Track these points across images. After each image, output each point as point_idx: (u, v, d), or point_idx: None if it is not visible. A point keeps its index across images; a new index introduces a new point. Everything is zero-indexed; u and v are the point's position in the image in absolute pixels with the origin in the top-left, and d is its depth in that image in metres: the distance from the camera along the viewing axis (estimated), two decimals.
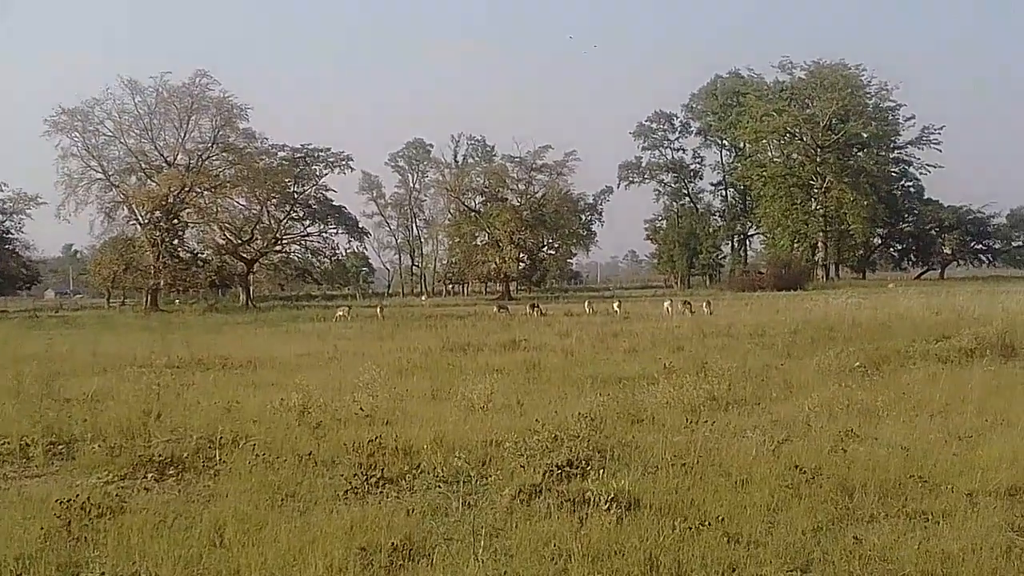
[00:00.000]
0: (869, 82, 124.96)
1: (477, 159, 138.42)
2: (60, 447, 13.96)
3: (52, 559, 8.31)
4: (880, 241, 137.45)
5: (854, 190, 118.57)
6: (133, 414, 15.84)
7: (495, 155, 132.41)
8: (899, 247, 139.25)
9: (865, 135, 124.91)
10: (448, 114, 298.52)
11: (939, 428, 14.01)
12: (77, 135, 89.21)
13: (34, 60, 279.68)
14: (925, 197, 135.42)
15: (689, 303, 52.22)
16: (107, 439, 13.91)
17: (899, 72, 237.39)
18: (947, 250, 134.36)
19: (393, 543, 8.69)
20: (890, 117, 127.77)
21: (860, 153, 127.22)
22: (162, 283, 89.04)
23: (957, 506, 9.89)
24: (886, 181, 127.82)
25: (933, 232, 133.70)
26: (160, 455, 12.69)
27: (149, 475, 12.05)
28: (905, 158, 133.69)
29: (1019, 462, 11.47)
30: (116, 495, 10.80)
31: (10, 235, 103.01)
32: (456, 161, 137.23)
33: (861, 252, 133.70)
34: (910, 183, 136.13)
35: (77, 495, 10.26)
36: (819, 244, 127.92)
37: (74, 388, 20.57)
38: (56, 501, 9.99)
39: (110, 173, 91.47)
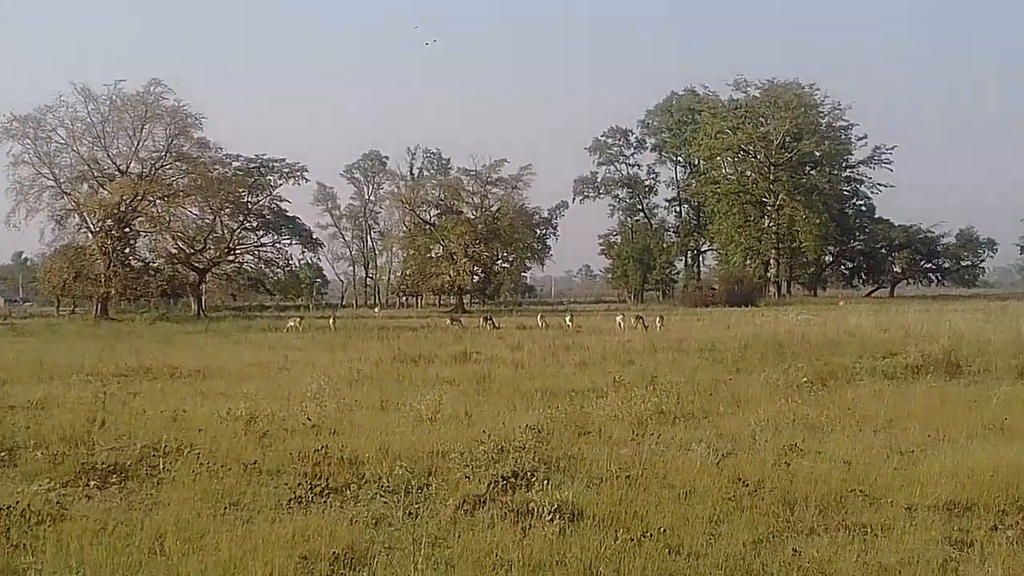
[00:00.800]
0: (822, 101, 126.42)
1: (432, 172, 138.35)
2: (2, 454, 13.83)
3: None
4: (831, 259, 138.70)
5: (807, 208, 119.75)
6: (78, 422, 15.73)
7: (451, 168, 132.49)
8: (850, 265, 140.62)
9: (818, 154, 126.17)
10: (404, 127, 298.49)
11: (882, 443, 14.16)
12: (28, 142, 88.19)
13: None
14: (876, 216, 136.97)
15: (642, 318, 52.38)
16: (50, 446, 13.80)
17: (851, 92, 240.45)
18: (897, 268, 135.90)
19: (335, 552, 8.69)
20: (843, 136, 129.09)
21: (813, 171, 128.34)
22: (113, 292, 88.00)
23: (896, 520, 10.00)
24: (838, 199, 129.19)
25: (883, 251, 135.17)
26: (103, 463, 12.62)
27: (91, 483, 11.96)
28: (857, 177, 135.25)
29: (959, 477, 11.60)
30: (57, 502, 10.71)
31: None
32: (412, 173, 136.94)
33: (813, 269, 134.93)
34: (861, 202, 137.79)
35: (17, 502, 10.19)
36: (771, 261, 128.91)
37: (19, 395, 20.45)
38: None
39: (61, 181, 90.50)
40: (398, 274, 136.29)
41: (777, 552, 8.98)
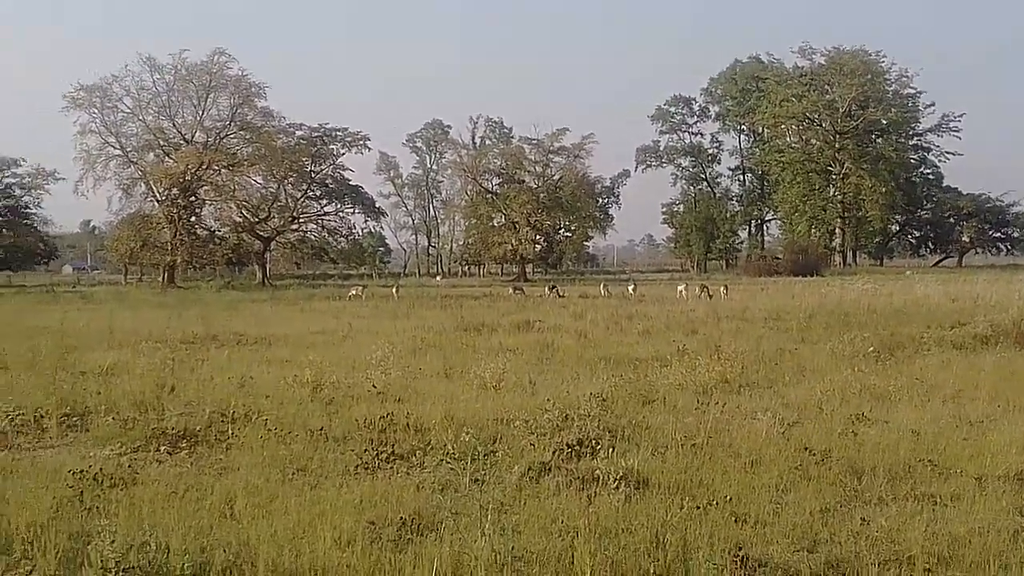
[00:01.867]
0: (889, 68, 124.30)
1: (495, 141, 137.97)
2: (74, 419, 14.07)
3: (64, 528, 8.37)
4: (898, 228, 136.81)
5: (873, 177, 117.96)
6: (147, 388, 15.96)
7: (513, 137, 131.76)
8: (917, 234, 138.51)
9: (884, 122, 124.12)
10: (466, 95, 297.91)
11: (951, 413, 14.00)
12: (96, 111, 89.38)
13: (53, 38, 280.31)
14: (944, 184, 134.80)
15: (707, 287, 52.08)
16: (121, 412, 14.03)
17: (919, 59, 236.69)
18: (965, 238, 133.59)
19: (402, 517, 8.74)
20: (910, 104, 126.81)
21: (879, 140, 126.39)
22: (179, 260, 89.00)
23: (965, 490, 9.89)
24: (905, 168, 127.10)
25: (951, 220, 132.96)
26: (173, 428, 12.80)
27: (162, 448, 12.13)
28: (924, 145, 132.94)
29: None
30: (128, 467, 10.92)
31: (28, 210, 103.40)
32: (474, 142, 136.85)
33: (879, 239, 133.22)
34: (929, 170, 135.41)
35: (90, 466, 10.37)
36: (836, 230, 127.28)
37: (89, 362, 20.71)
38: (69, 472, 10.10)
39: (128, 150, 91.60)
40: (460, 243, 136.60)
41: (845, 521, 8.91)
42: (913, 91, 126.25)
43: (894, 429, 12.66)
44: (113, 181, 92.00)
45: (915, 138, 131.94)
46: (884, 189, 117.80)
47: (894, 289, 49.97)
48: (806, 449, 11.15)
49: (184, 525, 8.43)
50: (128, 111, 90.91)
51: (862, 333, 23.76)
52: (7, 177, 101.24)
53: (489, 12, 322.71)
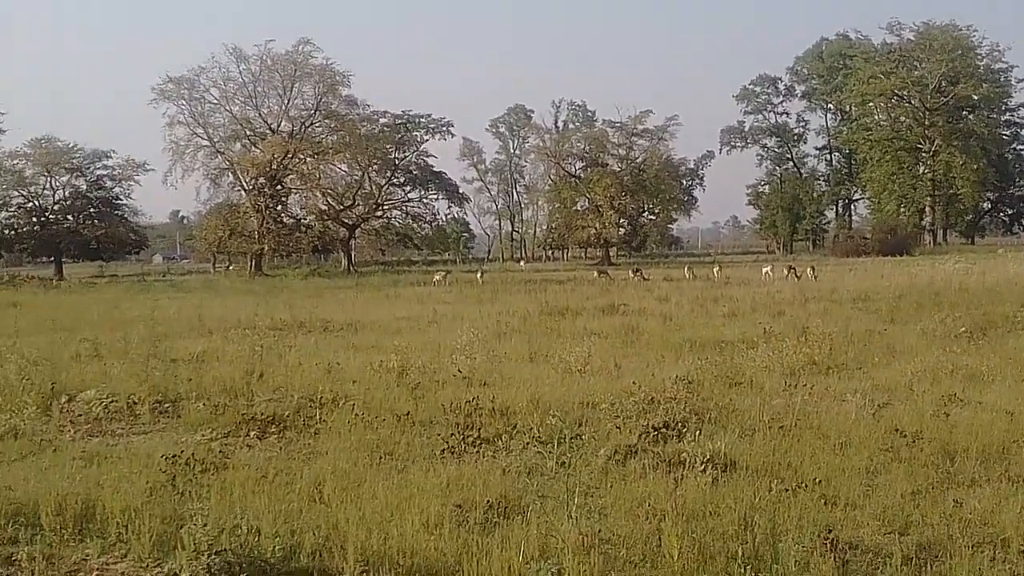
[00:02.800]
0: (980, 43, 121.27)
1: (578, 124, 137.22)
2: (166, 405, 14.35)
3: (157, 512, 8.50)
4: (990, 206, 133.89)
5: (964, 154, 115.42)
6: (236, 374, 16.19)
7: (596, 120, 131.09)
8: (1010, 212, 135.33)
9: (976, 97, 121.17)
10: (549, 79, 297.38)
11: None
12: (183, 103, 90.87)
13: (143, 31, 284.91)
14: None
15: (794, 268, 51.56)
16: (211, 398, 14.24)
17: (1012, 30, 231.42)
18: None
19: (488, 501, 8.77)
20: (1002, 79, 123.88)
21: (970, 116, 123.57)
22: (266, 248, 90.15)
23: None
24: (997, 144, 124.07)
25: None
26: (262, 414, 12.97)
27: (251, 433, 12.31)
28: (1017, 121, 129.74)
29: None
30: (219, 451, 11.09)
31: (119, 201, 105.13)
32: (556, 126, 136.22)
33: (970, 217, 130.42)
34: (1022, 146, 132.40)
35: (182, 451, 10.54)
36: (926, 209, 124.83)
37: (180, 349, 21.09)
38: (161, 456, 10.27)
39: (215, 140, 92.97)
40: (544, 227, 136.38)
41: (937, 503, 8.77)
42: (1005, 65, 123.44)
43: (987, 410, 12.44)
44: (201, 171, 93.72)
45: (1007, 113, 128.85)
46: (975, 166, 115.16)
47: (986, 268, 49.11)
48: (897, 431, 10.97)
49: (274, 509, 8.52)
50: (215, 102, 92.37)
51: (953, 313, 23.36)
52: (98, 169, 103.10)
53: None
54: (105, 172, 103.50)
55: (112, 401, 14.18)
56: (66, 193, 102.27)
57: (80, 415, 13.63)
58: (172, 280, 75.38)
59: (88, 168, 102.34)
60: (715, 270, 55.49)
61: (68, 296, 50.29)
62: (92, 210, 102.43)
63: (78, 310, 35.41)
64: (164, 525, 8.20)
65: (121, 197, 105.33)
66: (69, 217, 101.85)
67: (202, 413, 13.33)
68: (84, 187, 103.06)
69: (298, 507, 8.80)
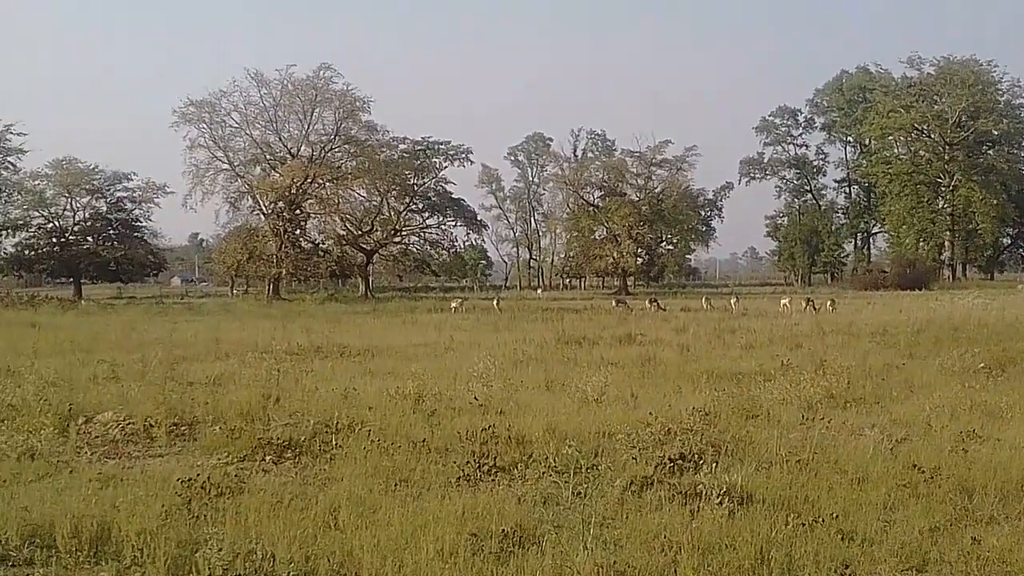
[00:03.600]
0: (1001, 79, 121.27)
1: (596, 153, 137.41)
2: (182, 428, 14.35)
3: (172, 535, 8.51)
4: (1010, 241, 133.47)
5: (984, 189, 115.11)
6: (253, 398, 16.18)
7: (614, 149, 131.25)
8: None
9: (996, 133, 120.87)
10: (569, 108, 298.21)
11: None
12: (204, 126, 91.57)
13: (164, 55, 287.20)
14: None
15: (812, 300, 51.44)
16: (227, 422, 14.25)
17: None
18: None
19: (504, 530, 8.74)
20: (1023, 114, 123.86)
21: (990, 151, 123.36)
22: (284, 272, 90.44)
23: None
24: (1017, 180, 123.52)
25: None
26: (278, 438, 12.97)
27: (267, 457, 12.32)
28: None
29: None
30: (235, 476, 11.08)
31: (139, 223, 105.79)
32: (575, 155, 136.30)
33: (989, 252, 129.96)
34: None
35: (198, 475, 10.57)
36: (945, 243, 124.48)
37: (197, 372, 21.15)
38: (177, 480, 10.31)
39: (235, 164, 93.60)
40: (562, 256, 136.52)
41: (955, 540, 8.71)
42: None
43: (1006, 447, 12.35)
44: (220, 194, 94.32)
45: None
46: (995, 201, 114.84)
47: (1006, 303, 48.84)
48: (915, 466, 10.91)
49: (289, 534, 8.52)
50: (236, 126, 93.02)
51: (972, 348, 23.24)
52: (119, 191, 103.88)
53: (587, 25, 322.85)
54: (125, 194, 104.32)
55: (129, 423, 14.23)
56: (86, 214, 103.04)
57: (97, 437, 13.66)
58: (190, 303, 75.64)
59: (108, 190, 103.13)
60: (732, 301, 55.38)
61: (86, 317, 50.46)
62: (112, 232, 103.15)
63: (96, 331, 35.53)
64: (179, 549, 8.21)
65: (141, 219, 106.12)
66: (89, 238, 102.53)
67: (218, 437, 13.34)
68: (104, 209, 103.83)
69: (313, 533, 8.79)
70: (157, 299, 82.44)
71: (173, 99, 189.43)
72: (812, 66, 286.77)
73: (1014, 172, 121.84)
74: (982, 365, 20.64)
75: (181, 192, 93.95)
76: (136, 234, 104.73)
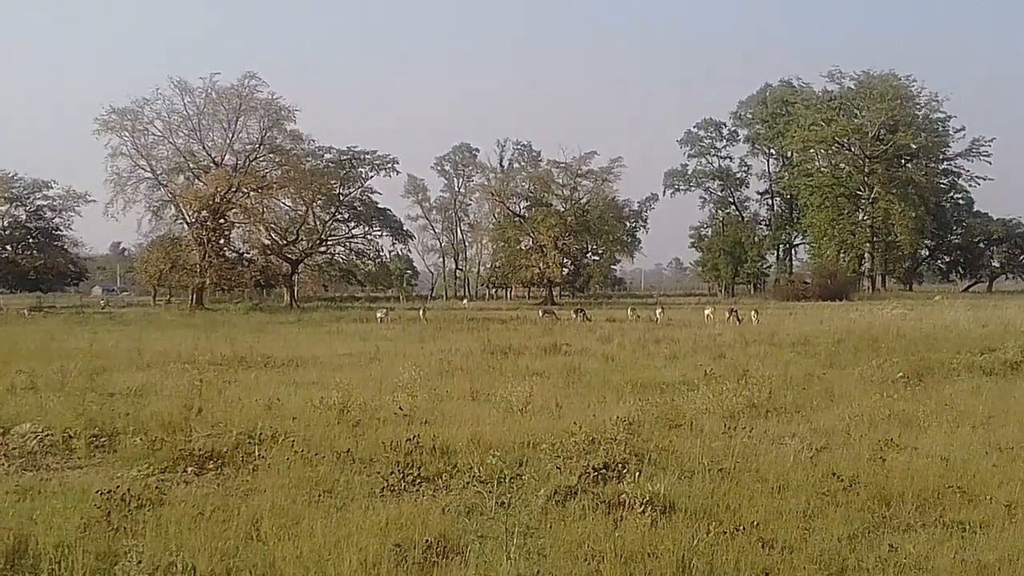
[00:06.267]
0: (919, 93, 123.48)
1: (522, 164, 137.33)
2: (102, 440, 14.14)
3: (91, 548, 8.39)
4: (928, 253, 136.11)
5: (902, 201, 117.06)
6: (175, 409, 16.00)
7: (540, 160, 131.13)
8: (947, 259, 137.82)
9: (914, 146, 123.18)
10: (493, 119, 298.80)
11: (980, 440, 13.91)
12: (127, 134, 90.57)
13: (83, 61, 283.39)
14: (974, 209, 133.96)
15: (735, 311, 51.91)
16: (149, 433, 14.07)
17: (948, 83, 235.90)
18: (996, 263, 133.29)
19: (428, 540, 8.73)
20: (940, 128, 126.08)
21: (909, 164, 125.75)
22: (208, 282, 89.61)
23: (995, 517, 9.81)
24: (935, 193, 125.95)
25: (982, 245, 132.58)
26: (200, 449, 12.84)
27: (189, 469, 12.21)
28: (954, 170, 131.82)
29: None
30: (156, 487, 10.93)
31: (59, 232, 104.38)
32: (501, 166, 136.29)
33: (908, 264, 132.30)
34: (959, 195, 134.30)
35: (117, 486, 10.40)
36: (866, 255, 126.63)
37: (118, 383, 20.86)
38: (97, 492, 10.15)
39: (158, 172, 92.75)
40: (488, 266, 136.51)
41: (873, 548, 8.85)
42: (943, 115, 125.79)
43: (923, 455, 12.58)
44: (143, 203, 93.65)
45: (945, 163, 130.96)
46: (914, 214, 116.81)
47: (923, 314, 49.77)
48: (834, 475, 11.07)
49: (211, 546, 8.45)
50: (159, 134, 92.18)
51: (891, 358, 23.68)
52: (38, 199, 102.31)
53: (514, 36, 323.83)
54: (45, 202, 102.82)
55: (47, 435, 13.99)
56: (4, 223, 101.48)
57: (14, 448, 13.41)
58: (111, 313, 74.51)
59: (28, 198, 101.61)
60: (657, 312, 55.70)
61: (4, 327, 49.62)
62: (31, 240, 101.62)
63: (14, 341, 34.93)
64: (98, 562, 8.12)
65: (61, 228, 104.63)
66: (7, 247, 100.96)
67: (139, 448, 13.16)
68: (23, 217, 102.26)
69: (235, 545, 8.71)
70: (77, 309, 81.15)
71: (95, 107, 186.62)
72: (737, 79, 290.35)
73: (932, 185, 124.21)
74: (900, 375, 21.01)
75: (103, 201, 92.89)
76: (56, 243, 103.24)
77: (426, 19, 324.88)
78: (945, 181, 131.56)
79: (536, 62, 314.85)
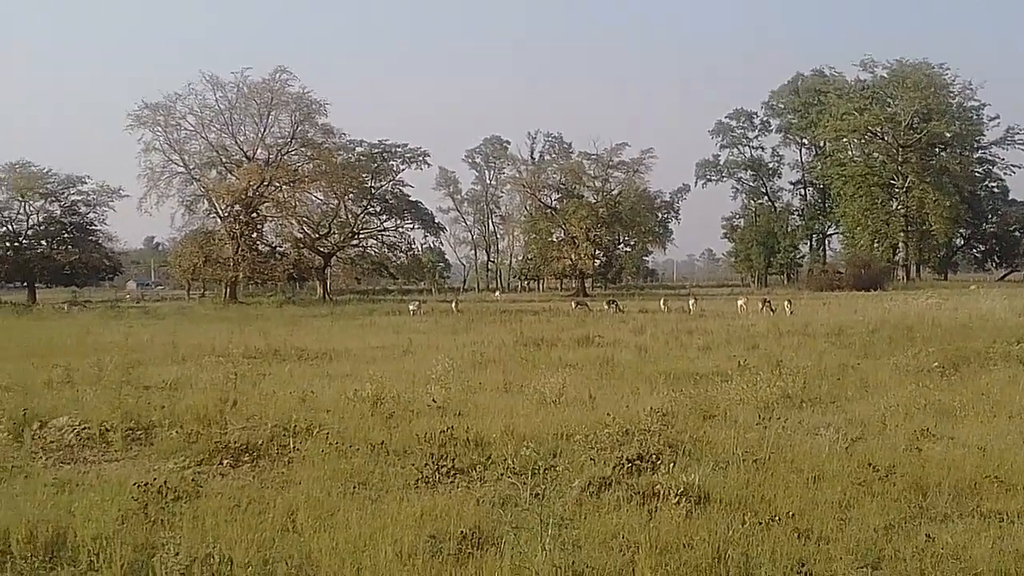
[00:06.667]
0: (952, 81, 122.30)
1: (554, 156, 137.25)
2: (139, 433, 14.24)
3: (128, 540, 8.45)
4: (963, 242, 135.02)
5: (936, 190, 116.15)
6: (210, 402, 16.09)
7: (572, 152, 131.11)
8: (982, 248, 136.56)
9: (948, 135, 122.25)
10: (526, 111, 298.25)
11: (1017, 429, 13.75)
12: (159, 129, 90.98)
13: (118, 57, 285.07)
14: (1009, 198, 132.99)
15: (768, 301, 51.64)
16: (184, 426, 14.16)
17: (984, 70, 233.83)
18: None
19: (462, 531, 8.74)
20: (974, 117, 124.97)
21: (943, 153, 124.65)
22: (240, 275, 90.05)
23: None
24: (969, 181, 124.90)
25: (1017, 233, 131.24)
26: (236, 442, 12.92)
27: (225, 461, 12.26)
28: (989, 158, 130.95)
29: None
30: (192, 480, 11.01)
31: (93, 227, 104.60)
32: (532, 158, 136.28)
33: (943, 253, 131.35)
34: (994, 183, 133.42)
35: (154, 479, 10.48)
36: (900, 244, 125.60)
37: (153, 376, 21.01)
38: (134, 484, 10.21)
39: (191, 167, 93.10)
40: (519, 258, 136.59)
41: (910, 538, 8.77)
42: (977, 104, 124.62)
43: (959, 445, 12.48)
44: (176, 198, 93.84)
45: (979, 151, 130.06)
46: (948, 203, 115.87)
47: (959, 303, 49.33)
48: (870, 465, 11.00)
49: (247, 538, 8.48)
50: (191, 129, 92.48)
51: (926, 348, 23.47)
52: (73, 194, 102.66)
53: (548, 27, 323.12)
54: (79, 198, 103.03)
55: (84, 428, 14.09)
56: (40, 218, 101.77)
57: (52, 442, 13.51)
58: (146, 307, 75.06)
59: (62, 193, 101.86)
60: (690, 302, 55.51)
61: (40, 322, 50.02)
62: (66, 235, 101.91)
63: (50, 335, 35.21)
64: (136, 553, 8.16)
65: (95, 223, 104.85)
66: (43, 242, 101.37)
67: (175, 441, 13.24)
68: (58, 212, 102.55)
69: (271, 536, 8.75)
70: (112, 303, 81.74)
71: (128, 102, 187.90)
72: (769, 68, 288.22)
73: (966, 173, 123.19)
74: (936, 365, 20.83)
75: (136, 196, 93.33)
76: (90, 238, 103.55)
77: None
78: (980, 169, 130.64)
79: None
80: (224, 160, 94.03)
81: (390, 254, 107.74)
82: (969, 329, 31.69)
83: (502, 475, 11.02)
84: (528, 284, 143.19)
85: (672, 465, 11.08)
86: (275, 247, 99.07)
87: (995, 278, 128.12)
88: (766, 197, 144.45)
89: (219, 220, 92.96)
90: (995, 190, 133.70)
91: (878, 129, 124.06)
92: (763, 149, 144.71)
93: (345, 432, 13.47)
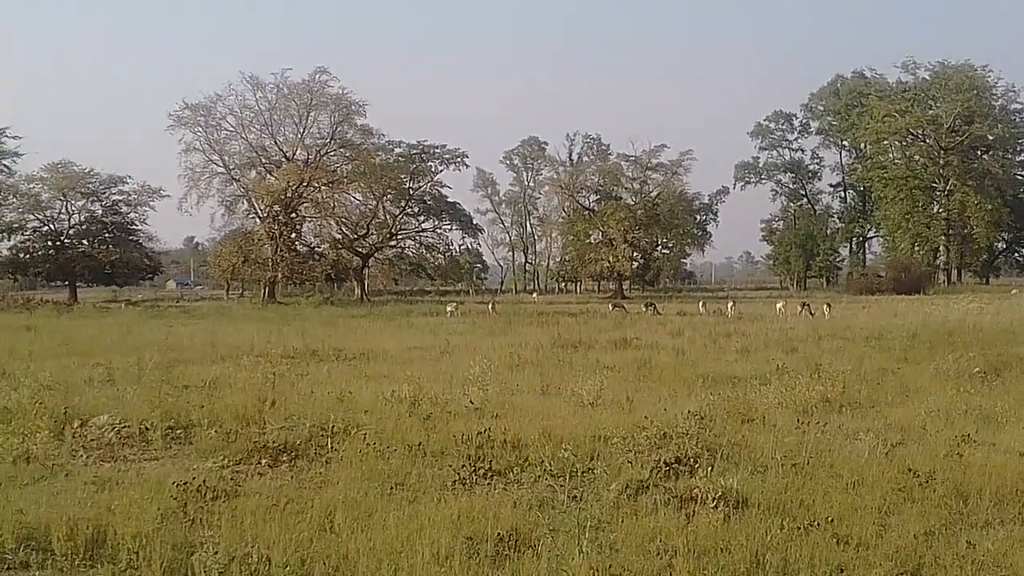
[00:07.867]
0: (995, 83, 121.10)
1: (592, 157, 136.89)
2: (178, 432, 14.36)
3: (168, 538, 8.51)
4: (1005, 246, 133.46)
5: (978, 193, 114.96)
6: (249, 401, 16.17)
7: (610, 154, 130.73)
8: None
9: (991, 137, 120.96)
10: (565, 112, 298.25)
11: None
12: (200, 130, 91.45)
13: (158, 58, 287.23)
14: None
15: (808, 305, 51.43)
16: (223, 425, 14.24)
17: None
18: None
19: (499, 533, 8.74)
20: (1017, 119, 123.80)
21: (985, 156, 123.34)
22: (279, 276, 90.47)
23: None
24: (1012, 185, 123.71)
25: None
26: (274, 442, 12.98)
27: (263, 461, 12.32)
28: None
29: None
30: (231, 479, 11.10)
31: (134, 227, 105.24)
32: (571, 159, 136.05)
33: (985, 257, 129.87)
34: None
35: (193, 478, 10.56)
36: (941, 248, 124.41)
37: (193, 375, 21.13)
38: (173, 483, 10.30)
39: (231, 167, 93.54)
40: (557, 260, 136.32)
41: (950, 544, 8.71)
42: (1020, 106, 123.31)
43: (1001, 451, 12.39)
44: (216, 198, 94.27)
45: (1022, 154, 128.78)
46: (990, 206, 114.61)
47: (1001, 308, 49.00)
48: (910, 470, 10.92)
49: (285, 538, 8.53)
50: (231, 129, 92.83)
51: (967, 353, 23.27)
52: (114, 194, 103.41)
53: (586, 31, 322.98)
54: (120, 197, 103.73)
55: (125, 426, 14.23)
56: (81, 218, 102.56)
57: (92, 440, 13.65)
58: (186, 306, 75.63)
59: (104, 193, 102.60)
60: (728, 305, 55.38)
61: (82, 320, 50.46)
62: (107, 235, 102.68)
63: (92, 334, 35.53)
64: (175, 552, 8.22)
65: (136, 222, 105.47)
66: (84, 242, 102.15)
67: (214, 440, 13.32)
68: (99, 212, 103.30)
69: (309, 536, 8.79)
70: (152, 302, 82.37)
71: (169, 102, 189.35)
72: (809, 70, 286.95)
73: (1009, 177, 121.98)
74: (977, 370, 20.68)
75: (176, 196, 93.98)
76: (131, 237, 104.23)
77: (497, 12, 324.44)
78: (1023, 173, 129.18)
79: (606, 54, 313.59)
80: (263, 160, 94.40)
81: (428, 255, 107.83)
82: (1011, 334, 31.45)
83: (539, 477, 11.03)
84: (565, 286, 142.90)
85: (710, 469, 11.04)
86: (313, 247, 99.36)
87: None
88: (806, 200, 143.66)
89: (258, 220, 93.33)
90: None
91: (919, 131, 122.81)
92: (803, 151, 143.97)
93: (383, 433, 13.49)
